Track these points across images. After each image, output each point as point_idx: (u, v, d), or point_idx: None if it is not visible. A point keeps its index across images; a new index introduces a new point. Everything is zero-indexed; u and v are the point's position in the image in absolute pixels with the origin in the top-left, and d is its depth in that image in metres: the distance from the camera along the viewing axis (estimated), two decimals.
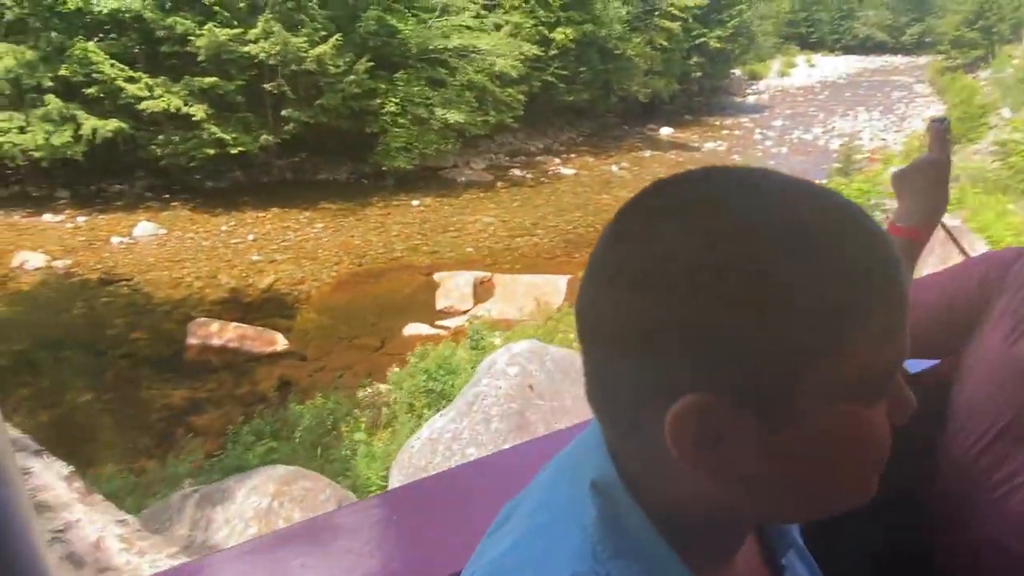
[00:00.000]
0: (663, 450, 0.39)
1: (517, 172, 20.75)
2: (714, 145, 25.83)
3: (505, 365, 5.23)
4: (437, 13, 18.17)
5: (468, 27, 18.63)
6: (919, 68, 55.51)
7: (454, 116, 17.45)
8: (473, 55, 18.25)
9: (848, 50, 78.18)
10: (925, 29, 74.50)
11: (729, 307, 0.36)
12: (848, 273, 0.38)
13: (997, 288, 0.84)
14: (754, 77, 50.40)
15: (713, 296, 0.36)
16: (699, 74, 31.34)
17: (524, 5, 20.36)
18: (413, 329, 10.16)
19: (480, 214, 16.45)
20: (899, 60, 68.09)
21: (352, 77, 16.26)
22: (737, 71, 48.82)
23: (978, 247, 7.02)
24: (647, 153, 24.41)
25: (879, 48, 77.47)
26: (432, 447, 4.66)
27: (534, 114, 24.71)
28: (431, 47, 17.63)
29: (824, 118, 32.77)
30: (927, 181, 0.92)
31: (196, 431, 7.99)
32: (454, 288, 11.49)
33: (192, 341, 9.79)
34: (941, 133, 0.96)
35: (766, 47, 37.98)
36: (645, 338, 0.38)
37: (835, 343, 0.37)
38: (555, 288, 11.55)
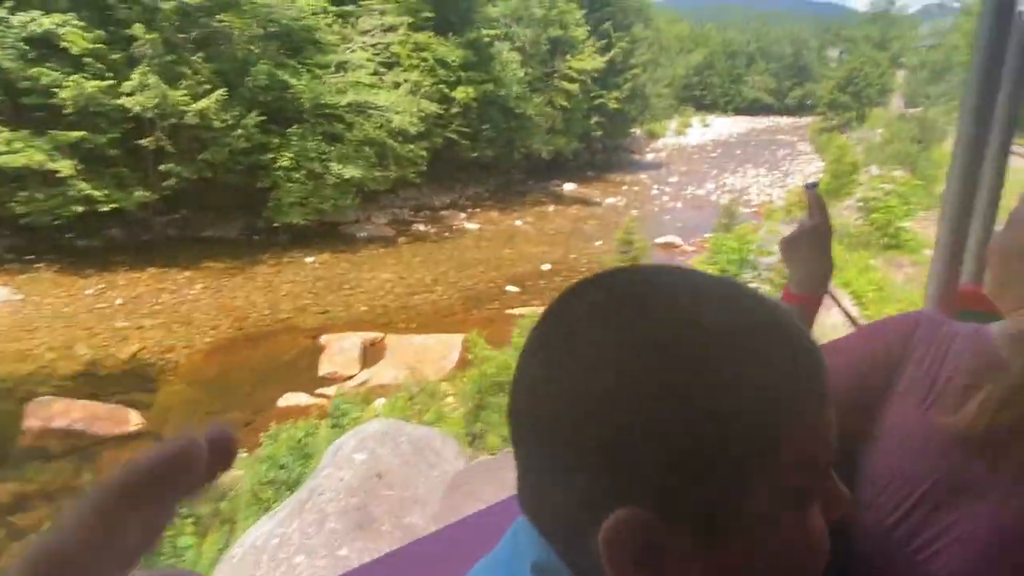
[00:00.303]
0: (600, 560, 0.37)
1: (420, 227, 20.38)
2: (614, 200, 26.49)
3: (352, 451, 4.66)
4: (332, 69, 17.85)
5: (366, 84, 18.39)
6: (801, 128, 60.05)
7: (350, 171, 16.99)
8: (370, 111, 17.97)
9: (739, 111, 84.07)
10: (805, 92, 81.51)
11: (658, 421, 0.36)
12: (774, 381, 0.38)
13: (903, 356, 0.85)
14: (653, 136, 52.97)
15: (641, 410, 0.36)
16: (599, 133, 32.42)
17: (423, 64, 20.41)
18: (290, 400, 9.35)
19: (378, 271, 15.87)
20: (784, 120, 73.63)
21: (240, 131, 15.56)
22: (637, 130, 51.23)
23: (844, 302, 7.20)
24: (551, 208, 24.70)
25: (766, 109, 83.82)
26: (256, 557, 3.99)
27: (439, 170, 24.62)
28: (326, 102, 17.23)
29: (716, 175, 34.51)
30: (812, 248, 0.97)
31: (21, 533, 6.87)
32: (339, 352, 10.78)
33: (30, 424, 8.57)
34: (818, 198, 0.99)
35: (661, 108, 39.96)
36: (575, 450, 0.37)
37: (765, 452, 0.37)
38: (449, 348, 11.06)
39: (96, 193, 13.85)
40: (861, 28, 57.61)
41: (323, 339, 11.48)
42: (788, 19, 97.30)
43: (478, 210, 23.55)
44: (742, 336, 0.38)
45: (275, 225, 17.33)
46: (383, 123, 18.03)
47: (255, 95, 16.58)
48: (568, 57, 27.86)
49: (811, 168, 35.43)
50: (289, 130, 17.10)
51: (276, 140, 16.94)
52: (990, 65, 1.27)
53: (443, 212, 22.62)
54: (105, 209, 14.08)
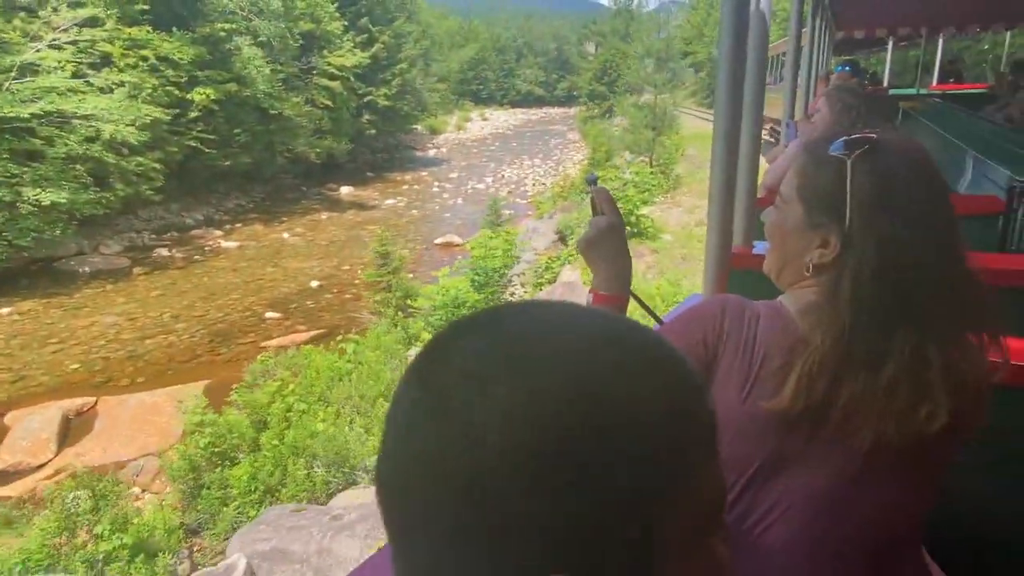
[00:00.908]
0: None
1: (164, 252, 17.42)
2: (394, 201, 25.28)
3: None
4: (14, 73, 14.38)
5: (65, 89, 15.12)
6: (570, 118, 63.66)
7: (52, 196, 13.81)
8: (74, 121, 14.82)
9: (515, 104, 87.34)
10: (570, 84, 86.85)
11: (550, 487, 0.33)
12: (668, 425, 0.37)
13: (717, 346, 0.86)
14: (435, 131, 52.62)
15: (532, 478, 0.34)
16: (373, 131, 30.96)
17: (142, 63, 17.37)
18: None
19: (101, 314, 13.06)
20: (555, 111, 77.78)
21: None
22: (419, 127, 50.52)
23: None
24: (324, 215, 22.78)
25: (539, 101, 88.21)
26: None
27: (187, 183, 21.51)
28: (8, 114, 13.81)
29: (495, 168, 34.86)
30: (610, 246, 0.98)
31: None
32: (26, 433, 8.34)
33: None
34: (605, 194, 1.02)
35: (436, 103, 39.47)
36: (467, 531, 0.35)
37: (672, 494, 0.36)
38: (177, 405, 9.13)
39: None
40: (609, 23, 62.41)
41: (8, 418, 8.90)
42: (548, 16, 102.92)
43: (239, 225, 20.92)
44: (629, 383, 0.36)
45: None
46: (92, 135, 14.98)
47: None
48: (325, 53, 25.97)
49: (580, 155, 37.30)
50: None
51: None
52: (735, 53, 1.32)
53: (195, 231, 19.69)
54: None
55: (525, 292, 8.90)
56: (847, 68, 4.72)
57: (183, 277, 15.60)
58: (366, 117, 30.57)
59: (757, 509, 0.83)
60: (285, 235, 19.81)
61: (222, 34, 19.97)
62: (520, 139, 49.07)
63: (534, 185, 29.01)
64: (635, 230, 10.17)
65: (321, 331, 11.67)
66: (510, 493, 0.33)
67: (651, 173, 13.36)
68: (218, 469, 6.12)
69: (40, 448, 8.12)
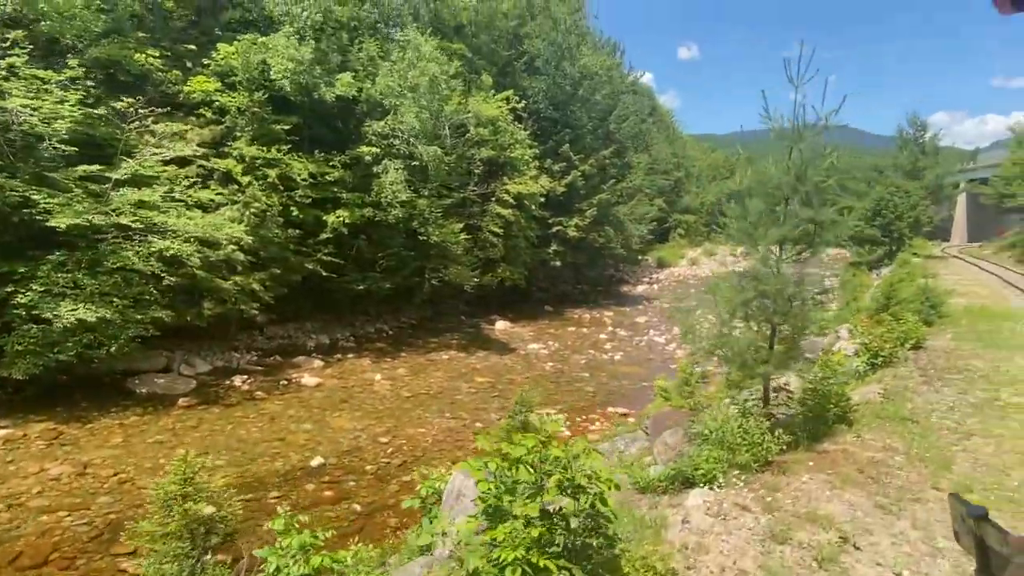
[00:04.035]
0: None
1: (236, 381, 15.41)
2: (539, 347, 20.87)
3: None
4: (111, 186, 13.95)
5: (158, 205, 14.37)
6: (844, 259, 53.24)
7: (87, 313, 12.49)
8: (154, 236, 13.80)
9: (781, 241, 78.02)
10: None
11: None
12: None
13: None
14: (663, 264, 47.78)
15: None
16: (557, 263, 27.49)
17: (260, 182, 16.33)
18: None
19: (76, 457, 10.83)
20: (828, 251, 66.81)
21: None
22: (648, 258, 46.19)
23: None
24: (446, 355, 19.31)
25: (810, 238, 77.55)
26: None
27: (323, 303, 20.15)
28: (92, 224, 13.19)
29: (702, 314, 28.60)
30: None
31: None
32: None
33: None
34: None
35: (636, 237, 34.86)
36: None
37: None
38: None
39: None
40: (892, 157, 51.77)
41: None
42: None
43: (350, 355, 18.53)
44: None
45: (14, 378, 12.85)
46: (166, 249, 13.75)
47: (6, 216, 12.82)
48: (505, 180, 23.61)
49: (833, 305, 28.89)
50: (47, 259, 13.07)
51: (22, 270, 12.89)
52: None
53: (299, 358, 17.70)
54: None
55: None
56: None
57: (210, 420, 13.09)
58: (553, 247, 27.29)
59: None
60: (378, 376, 16.68)
61: (368, 158, 18.55)
62: None
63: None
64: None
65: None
66: None
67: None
68: None
69: None
